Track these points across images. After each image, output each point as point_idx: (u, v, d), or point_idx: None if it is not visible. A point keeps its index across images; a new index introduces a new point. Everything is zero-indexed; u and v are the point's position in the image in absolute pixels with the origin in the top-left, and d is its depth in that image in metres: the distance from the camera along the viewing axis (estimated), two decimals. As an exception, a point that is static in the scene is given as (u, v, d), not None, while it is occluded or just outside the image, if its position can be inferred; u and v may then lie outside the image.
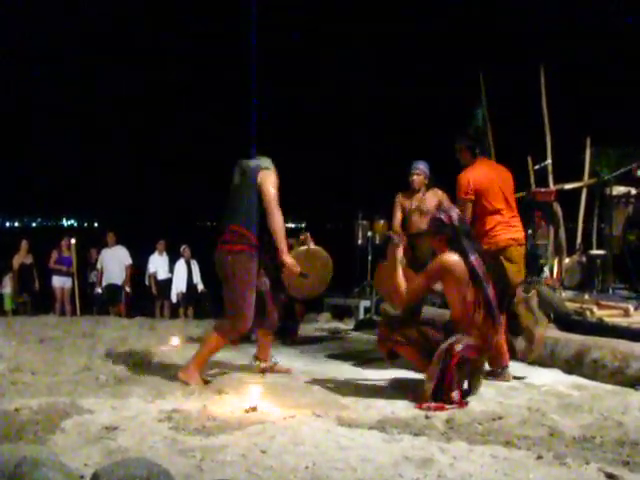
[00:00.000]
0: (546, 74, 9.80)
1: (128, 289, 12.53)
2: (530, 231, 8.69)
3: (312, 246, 5.10)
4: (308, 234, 5.51)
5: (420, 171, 6.43)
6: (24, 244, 12.68)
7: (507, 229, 4.96)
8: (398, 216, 6.48)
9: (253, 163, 4.61)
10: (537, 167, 9.65)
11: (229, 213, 4.60)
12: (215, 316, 6.16)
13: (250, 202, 4.48)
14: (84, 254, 13.00)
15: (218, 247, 4.56)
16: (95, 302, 12.59)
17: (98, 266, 12.50)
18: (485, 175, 5.00)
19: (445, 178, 6.25)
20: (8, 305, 12.24)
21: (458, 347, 3.96)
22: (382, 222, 9.12)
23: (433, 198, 6.35)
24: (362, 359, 5.52)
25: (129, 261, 12.53)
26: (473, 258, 4.11)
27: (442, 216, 4.25)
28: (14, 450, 2.61)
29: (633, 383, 4.43)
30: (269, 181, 4.47)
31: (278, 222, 4.42)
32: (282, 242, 4.45)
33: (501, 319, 4.30)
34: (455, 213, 4.28)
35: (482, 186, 4.94)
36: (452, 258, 4.10)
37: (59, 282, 12.48)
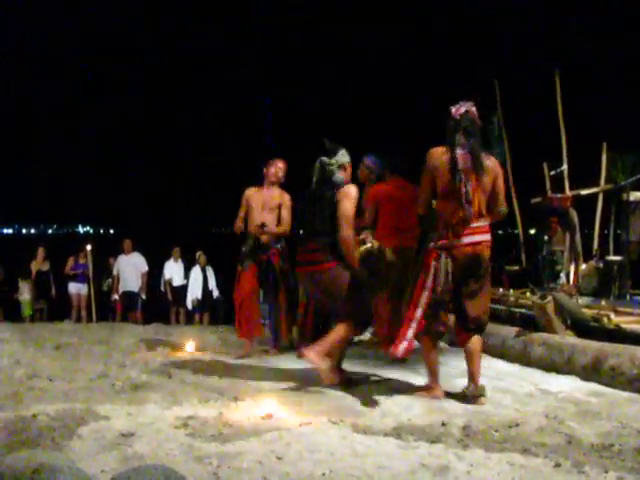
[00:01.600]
0: (562, 79, 9.77)
1: (144, 296, 12.56)
2: (546, 237, 8.67)
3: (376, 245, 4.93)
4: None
5: (364, 166, 6.21)
6: (41, 251, 12.76)
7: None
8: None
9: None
10: (553, 173, 9.61)
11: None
12: (230, 322, 6.18)
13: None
14: (101, 261, 13.05)
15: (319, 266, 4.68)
16: (111, 309, 12.64)
17: (114, 273, 12.55)
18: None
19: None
20: (27, 312, 12.28)
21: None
22: None
23: None
24: (379, 365, 5.51)
25: (145, 268, 12.56)
26: (459, 152, 4.19)
27: (452, 108, 4.31)
28: (31, 456, 2.62)
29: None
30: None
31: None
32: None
33: (471, 211, 4.25)
34: (465, 108, 4.30)
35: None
36: (435, 150, 4.31)
37: (75, 289, 12.55)
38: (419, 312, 4.29)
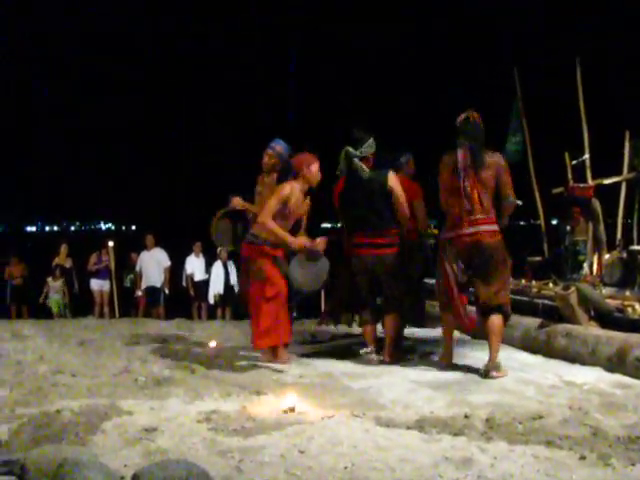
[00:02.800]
0: (582, 67, 9.65)
1: (167, 291, 12.62)
2: (568, 228, 8.58)
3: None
4: None
5: (271, 151, 5.64)
6: (63, 248, 12.84)
7: None
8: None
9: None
10: (575, 162, 9.50)
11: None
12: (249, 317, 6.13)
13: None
14: (123, 257, 13.12)
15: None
16: (134, 304, 12.72)
17: (137, 269, 12.63)
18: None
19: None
20: (56, 309, 12.31)
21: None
22: None
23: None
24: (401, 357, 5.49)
25: (168, 263, 12.61)
26: (459, 153, 4.70)
27: (464, 114, 4.81)
28: (56, 451, 2.64)
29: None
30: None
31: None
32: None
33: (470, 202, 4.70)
34: (466, 114, 4.79)
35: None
36: (445, 155, 4.85)
37: (97, 285, 12.63)
38: (455, 292, 4.81)
